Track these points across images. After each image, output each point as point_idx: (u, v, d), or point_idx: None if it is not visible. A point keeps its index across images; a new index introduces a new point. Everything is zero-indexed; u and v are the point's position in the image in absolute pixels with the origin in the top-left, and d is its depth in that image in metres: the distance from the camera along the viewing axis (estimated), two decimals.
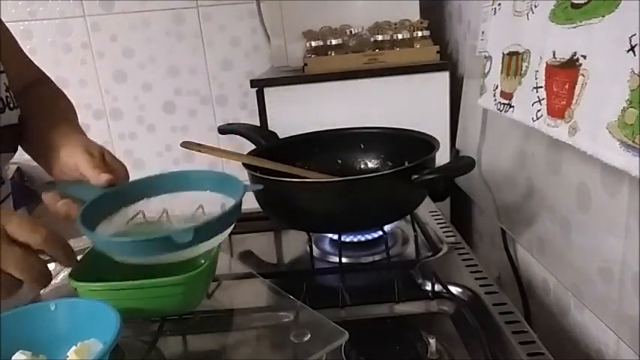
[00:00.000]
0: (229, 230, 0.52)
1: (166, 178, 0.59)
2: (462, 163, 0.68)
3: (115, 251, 0.49)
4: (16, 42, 0.73)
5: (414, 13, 1.19)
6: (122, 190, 0.57)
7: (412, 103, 1.12)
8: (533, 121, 0.63)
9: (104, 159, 0.60)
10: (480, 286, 0.62)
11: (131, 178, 0.62)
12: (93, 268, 0.53)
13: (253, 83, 1.13)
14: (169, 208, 0.58)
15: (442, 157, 0.72)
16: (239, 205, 0.51)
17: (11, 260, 0.44)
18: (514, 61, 0.71)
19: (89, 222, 0.51)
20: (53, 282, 0.70)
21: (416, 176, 0.65)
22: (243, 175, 0.75)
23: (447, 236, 0.77)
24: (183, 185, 0.58)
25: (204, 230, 0.48)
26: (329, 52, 1.16)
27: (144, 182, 0.59)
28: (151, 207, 0.59)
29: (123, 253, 0.49)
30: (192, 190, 0.58)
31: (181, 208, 0.58)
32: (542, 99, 0.61)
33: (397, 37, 1.15)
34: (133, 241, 0.47)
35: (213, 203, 0.57)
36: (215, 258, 0.55)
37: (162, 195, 0.59)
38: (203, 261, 0.54)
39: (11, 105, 0.65)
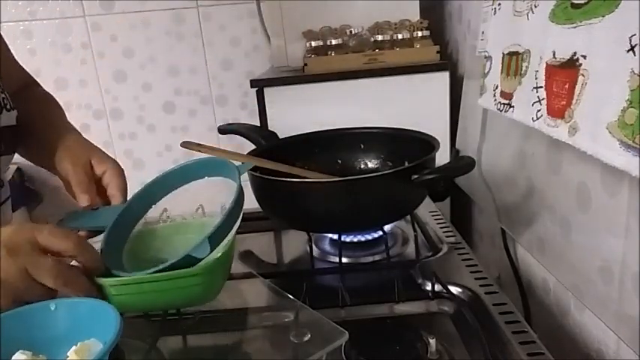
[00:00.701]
0: (239, 221, 0.52)
1: (164, 180, 0.59)
2: (462, 163, 0.68)
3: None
4: (6, 46, 0.73)
5: (414, 13, 1.19)
6: (127, 212, 0.58)
7: (412, 103, 1.11)
8: (533, 121, 0.63)
9: (91, 167, 0.60)
10: (480, 286, 0.62)
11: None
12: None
13: (253, 83, 1.13)
14: (168, 207, 0.59)
15: (442, 157, 0.72)
16: (240, 193, 0.51)
17: (45, 269, 0.45)
18: (514, 61, 0.71)
19: (115, 263, 0.52)
20: None
21: (416, 176, 0.65)
22: (244, 175, 0.75)
23: (447, 236, 0.77)
24: (182, 181, 0.59)
25: (217, 235, 0.48)
26: (329, 52, 1.16)
27: (144, 194, 0.59)
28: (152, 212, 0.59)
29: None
30: (190, 181, 0.58)
31: (180, 206, 0.58)
32: (542, 99, 0.61)
33: (397, 37, 1.15)
34: (154, 273, 0.48)
35: (210, 197, 0.57)
36: (232, 245, 0.54)
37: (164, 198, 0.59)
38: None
39: (8, 106, 0.65)
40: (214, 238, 0.48)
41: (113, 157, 0.64)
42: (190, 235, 0.55)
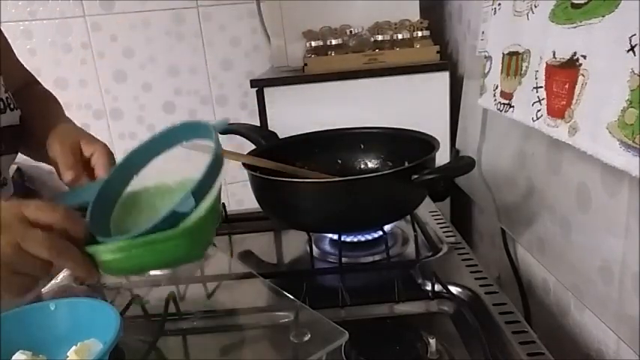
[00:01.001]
0: (220, 178, 0.51)
1: (144, 149, 0.58)
2: (462, 163, 0.68)
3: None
4: (9, 45, 0.73)
5: (414, 13, 1.19)
6: (110, 183, 0.57)
7: (412, 103, 1.12)
8: (533, 121, 0.63)
9: (80, 148, 0.61)
10: (480, 286, 0.62)
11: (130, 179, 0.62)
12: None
13: (253, 83, 1.13)
14: (149, 177, 0.59)
15: (442, 157, 0.72)
16: (218, 147, 0.51)
17: (36, 241, 0.45)
18: (514, 61, 0.71)
19: (103, 233, 0.51)
20: (53, 282, 0.70)
21: (416, 176, 0.65)
22: (244, 175, 0.75)
23: (447, 236, 0.77)
24: (162, 147, 0.58)
25: (201, 189, 0.48)
26: (329, 52, 1.16)
27: (125, 164, 0.58)
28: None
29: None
30: (171, 147, 0.58)
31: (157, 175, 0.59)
32: (542, 99, 0.61)
33: (397, 37, 1.15)
34: (140, 234, 0.47)
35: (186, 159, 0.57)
36: (217, 200, 0.53)
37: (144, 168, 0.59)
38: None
39: (12, 106, 0.65)
40: (198, 192, 0.47)
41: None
42: (175, 197, 0.54)
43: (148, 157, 0.59)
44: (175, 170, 0.58)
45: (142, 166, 0.58)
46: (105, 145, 0.62)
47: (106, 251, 0.48)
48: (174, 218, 0.47)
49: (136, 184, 0.58)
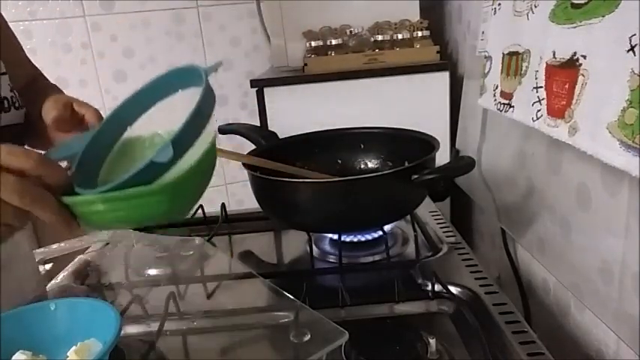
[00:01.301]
0: (209, 124, 0.47)
1: (136, 99, 0.56)
2: (462, 163, 0.68)
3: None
4: (17, 40, 0.73)
5: (414, 13, 1.19)
6: (101, 135, 0.55)
7: (412, 103, 1.12)
8: (533, 121, 0.63)
9: (72, 108, 0.60)
10: (480, 286, 0.62)
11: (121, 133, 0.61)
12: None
13: (253, 83, 1.13)
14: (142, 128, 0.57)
15: (442, 157, 0.72)
16: (208, 92, 0.47)
17: (8, 187, 0.43)
18: (514, 61, 0.71)
19: (90, 185, 0.48)
20: (53, 281, 0.70)
21: (416, 176, 0.65)
22: (244, 175, 0.75)
23: (447, 236, 0.77)
24: (154, 98, 0.55)
25: (182, 139, 0.44)
26: (329, 52, 1.16)
27: (117, 115, 0.56)
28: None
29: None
30: (163, 97, 0.55)
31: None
32: (542, 99, 0.61)
33: (397, 37, 1.15)
34: (116, 185, 0.43)
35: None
36: (208, 155, 0.49)
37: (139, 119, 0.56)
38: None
39: (17, 104, 0.65)
40: (178, 143, 0.43)
41: None
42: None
43: (139, 109, 0.56)
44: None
45: (133, 119, 0.56)
46: (97, 110, 0.62)
47: (82, 202, 0.45)
48: (154, 170, 0.43)
49: (131, 134, 0.55)
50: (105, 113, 0.60)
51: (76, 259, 0.76)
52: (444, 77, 1.10)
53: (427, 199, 0.83)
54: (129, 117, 0.56)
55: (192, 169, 0.46)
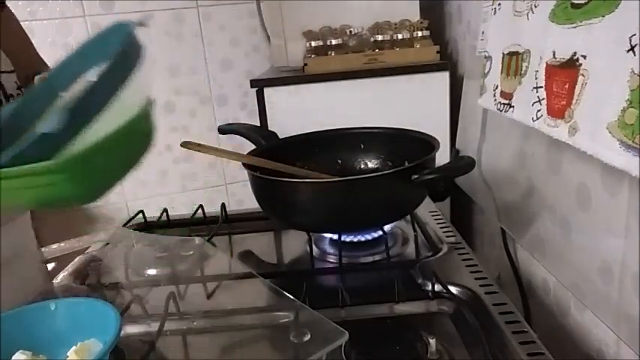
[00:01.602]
0: (123, 91, 0.41)
1: (64, 67, 0.53)
2: (462, 163, 0.68)
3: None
4: (28, 38, 0.73)
5: (414, 13, 1.19)
6: (24, 104, 0.52)
7: (412, 103, 1.12)
8: (533, 121, 0.63)
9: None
10: (480, 286, 0.62)
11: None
12: None
13: (253, 83, 1.13)
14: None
15: (442, 157, 0.72)
16: (129, 46, 0.42)
17: None
18: (514, 61, 0.71)
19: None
20: (53, 281, 0.70)
21: (416, 176, 0.65)
22: (244, 175, 0.75)
23: (447, 236, 0.77)
24: (85, 65, 0.51)
25: (88, 102, 0.39)
26: (329, 52, 1.16)
27: (44, 85, 0.53)
28: None
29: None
30: (98, 63, 0.48)
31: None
32: (542, 99, 0.61)
33: (397, 37, 1.15)
34: (8, 162, 0.38)
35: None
36: (133, 127, 0.41)
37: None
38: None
39: None
40: (77, 109, 0.38)
41: None
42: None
43: (70, 76, 0.52)
44: None
45: (64, 87, 0.52)
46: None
47: None
48: (50, 143, 0.38)
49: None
50: None
51: (76, 259, 0.76)
52: (444, 77, 1.10)
53: (427, 199, 0.83)
54: (61, 84, 0.52)
55: (103, 141, 0.39)
